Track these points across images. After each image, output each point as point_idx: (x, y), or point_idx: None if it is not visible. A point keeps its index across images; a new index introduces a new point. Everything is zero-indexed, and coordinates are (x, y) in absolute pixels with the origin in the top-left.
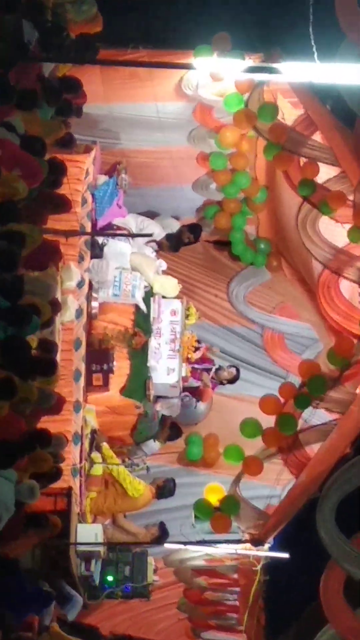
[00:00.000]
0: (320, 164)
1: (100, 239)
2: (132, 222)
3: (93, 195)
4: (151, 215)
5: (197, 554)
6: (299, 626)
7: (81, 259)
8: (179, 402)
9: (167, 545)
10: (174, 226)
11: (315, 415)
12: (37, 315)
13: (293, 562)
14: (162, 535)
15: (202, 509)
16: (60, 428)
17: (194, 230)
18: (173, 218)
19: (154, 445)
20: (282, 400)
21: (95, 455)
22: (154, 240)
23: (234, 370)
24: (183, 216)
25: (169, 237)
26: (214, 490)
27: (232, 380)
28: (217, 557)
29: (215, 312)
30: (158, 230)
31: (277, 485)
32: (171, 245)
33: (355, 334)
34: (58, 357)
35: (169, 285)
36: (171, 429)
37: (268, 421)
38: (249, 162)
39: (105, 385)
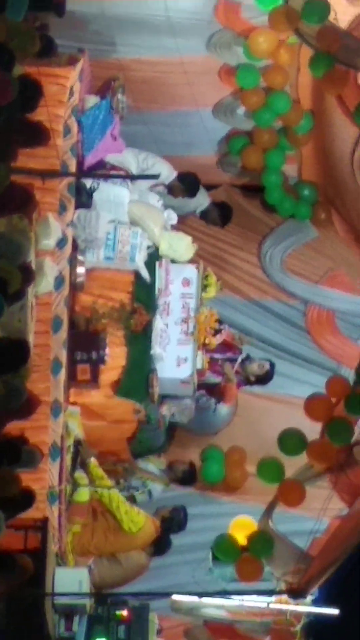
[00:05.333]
0: None
1: (88, 182)
2: (132, 159)
3: (79, 122)
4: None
5: (214, 603)
6: None
7: (63, 209)
8: (193, 403)
9: (175, 597)
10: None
11: None
12: (3, 286)
13: (346, 622)
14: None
15: (224, 549)
16: (33, 438)
17: (224, 212)
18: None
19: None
20: (332, 400)
21: (80, 475)
22: (161, 184)
23: (266, 364)
24: (199, 152)
25: (182, 178)
26: (244, 527)
27: (264, 378)
28: (242, 613)
29: (242, 283)
30: (167, 171)
31: (323, 517)
32: (185, 189)
33: None
34: (30, 341)
35: (180, 246)
36: None
37: (312, 430)
38: (288, 78)
39: (93, 381)
